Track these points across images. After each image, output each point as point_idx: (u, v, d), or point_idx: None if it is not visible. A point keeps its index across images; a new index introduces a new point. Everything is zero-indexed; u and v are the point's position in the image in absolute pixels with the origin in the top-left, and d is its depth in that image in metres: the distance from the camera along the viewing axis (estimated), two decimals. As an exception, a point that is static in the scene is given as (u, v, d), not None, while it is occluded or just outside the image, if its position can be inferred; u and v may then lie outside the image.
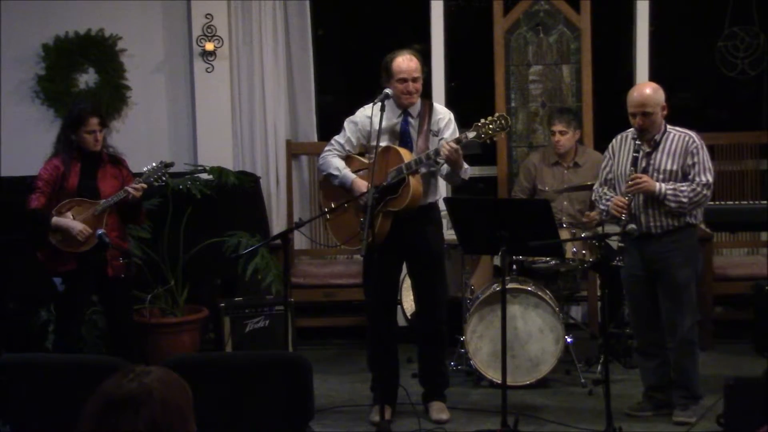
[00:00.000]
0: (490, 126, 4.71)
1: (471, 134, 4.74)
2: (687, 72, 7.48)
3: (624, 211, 4.81)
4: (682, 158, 4.81)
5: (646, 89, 4.88)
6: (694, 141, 4.83)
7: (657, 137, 4.86)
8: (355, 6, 7.39)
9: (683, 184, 4.79)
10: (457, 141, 4.74)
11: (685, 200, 4.76)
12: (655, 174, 4.83)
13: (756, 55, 6.88)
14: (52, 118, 6.58)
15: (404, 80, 4.88)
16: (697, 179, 4.78)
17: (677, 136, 4.85)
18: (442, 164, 4.89)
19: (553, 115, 6.35)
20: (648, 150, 4.87)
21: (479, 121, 4.75)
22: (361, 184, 4.85)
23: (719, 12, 6.91)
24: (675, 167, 4.81)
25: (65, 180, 4.98)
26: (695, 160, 4.80)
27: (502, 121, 4.72)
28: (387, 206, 4.85)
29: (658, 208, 4.82)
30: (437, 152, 4.78)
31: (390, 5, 7.36)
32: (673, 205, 4.78)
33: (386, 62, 4.92)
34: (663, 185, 4.78)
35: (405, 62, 4.88)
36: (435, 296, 5.08)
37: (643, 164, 4.85)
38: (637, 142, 4.85)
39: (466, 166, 4.86)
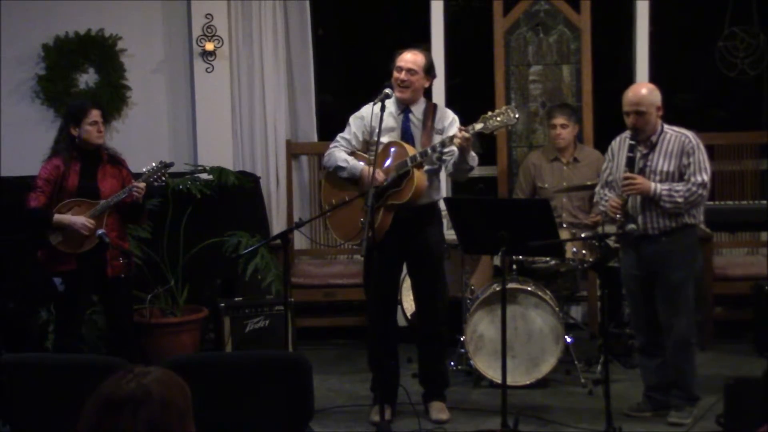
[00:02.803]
0: (498, 118, 4.72)
1: (478, 126, 4.74)
2: (687, 72, 7.48)
3: (619, 212, 4.84)
4: (678, 158, 4.81)
5: (641, 89, 4.91)
6: (690, 141, 4.82)
7: (654, 138, 4.86)
8: (355, 6, 7.39)
9: (679, 184, 4.78)
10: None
11: (680, 200, 4.75)
12: (652, 175, 4.83)
13: (756, 55, 6.88)
14: (52, 118, 6.58)
15: (399, 69, 4.94)
16: (693, 179, 4.76)
17: (674, 137, 4.85)
18: (449, 160, 4.89)
19: (552, 110, 6.36)
20: (645, 151, 4.87)
21: (486, 113, 4.76)
22: (370, 173, 4.84)
23: (719, 12, 6.91)
24: (671, 168, 4.81)
25: (65, 180, 4.98)
26: (691, 159, 4.78)
27: (510, 113, 4.73)
28: (389, 200, 4.85)
29: (655, 209, 4.82)
30: (443, 144, 4.79)
31: (390, 5, 7.36)
32: (668, 205, 4.77)
33: (395, 54, 5.00)
34: (658, 186, 4.77)
35: (407, 54, 4.96)
36: (435, 296, 5.08)
37: (641, 165, 4.86)
38: (631, 142, 4.86)
39: (473, 153, 4.87)
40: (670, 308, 4.89)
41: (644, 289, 4.97)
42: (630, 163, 4.83)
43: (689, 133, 4.87)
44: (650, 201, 4.81)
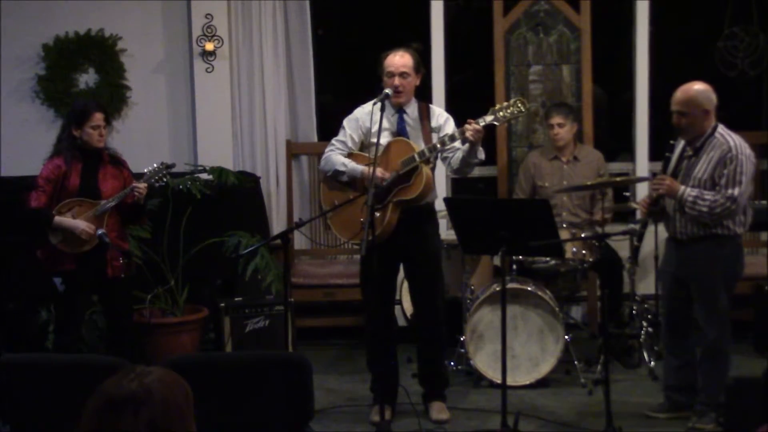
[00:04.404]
0: (508, 110, 4.71)
1: (489, 118, 4.73)
2: (687, 72, 7.47)
3: (644, 210, 4.83)
4: (714, 167, 4.64)
5: (690, 88, 4.71)
6: (731, 151, 4.60)
7: (699, 142, 4.71)
8: (355, 6, 7.39)
9: (709, 192, 4.62)
10: None
11: (704, 209, 4.60)
12: (688, 180, 4.71)
13: (756, 55, 6.88)
14: (52, 118, 6.58)
15: (391, 75, 4.91)
16: (723, 191, 4.59)
17: (718, 144, 4.65)
18: (451, 157, 4.88)
19: (550, 109, 6.36)
20: (690, 154, 4.75)
21: (495, 105, 4.75)
22: (371, 173, 4.81)
23: (719, 12, 6.91)
24: (706, 176, 4.65)
25: (66, 179, 4.98)
26: (726, 171, 4.59)
27: (519, 104, 4.71)
28: (398, 195, 4.84)
29: (685, 214, 4.71)
30: (453, 137, 4.77)
31: (390, 5, 7.35)
32: (692, 212, 4.65)
33: (381, 58, 4.97)
34: (687, 190, 4.65)
35: (394, 58, 4.92)
36: (433, 297, 5.07)
37: (683, 166, 4.77)
38: (671, 141, 4.81)
39: (480, 146, 4.85)
40: (703, 316, 4.83)
41: (676, 287, 4.90)
42: (666, 162, 4.79)
43: (733, 142, 4.64)
44: (678, 204, 4.72)
